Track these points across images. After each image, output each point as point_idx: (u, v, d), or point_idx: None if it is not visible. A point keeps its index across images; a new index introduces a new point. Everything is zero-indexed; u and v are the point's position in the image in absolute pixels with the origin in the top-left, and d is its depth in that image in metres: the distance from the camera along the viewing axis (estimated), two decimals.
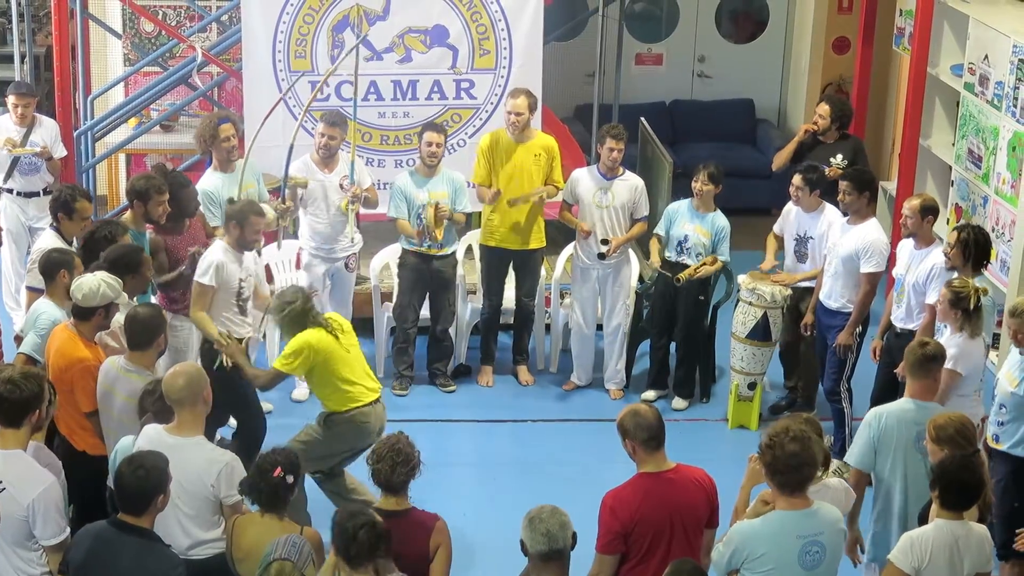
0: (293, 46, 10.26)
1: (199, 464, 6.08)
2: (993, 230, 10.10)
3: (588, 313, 9.90)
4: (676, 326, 9.69)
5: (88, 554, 5.59)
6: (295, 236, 9.94)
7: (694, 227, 9.46)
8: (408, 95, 10.48)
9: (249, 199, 8.70)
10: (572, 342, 10.13)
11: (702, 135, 13.74)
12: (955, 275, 7.73)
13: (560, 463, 9.11)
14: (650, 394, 9.83)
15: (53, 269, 7.36)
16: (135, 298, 7.54)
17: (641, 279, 10.16)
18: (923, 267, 8.28)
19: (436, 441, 9.10)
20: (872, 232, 8.76)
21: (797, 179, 9.22)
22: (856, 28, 12.86)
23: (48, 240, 8.08)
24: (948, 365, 7.22)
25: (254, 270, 8.33)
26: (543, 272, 10.10)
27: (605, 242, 9.58)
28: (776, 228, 9.54)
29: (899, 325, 8.45)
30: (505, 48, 10.46)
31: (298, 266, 9.84)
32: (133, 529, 5.57)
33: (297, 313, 7.48)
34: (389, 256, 10.15)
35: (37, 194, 10.34)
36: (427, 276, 9.69)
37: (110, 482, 6.55)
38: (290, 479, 5.95)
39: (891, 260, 8.93)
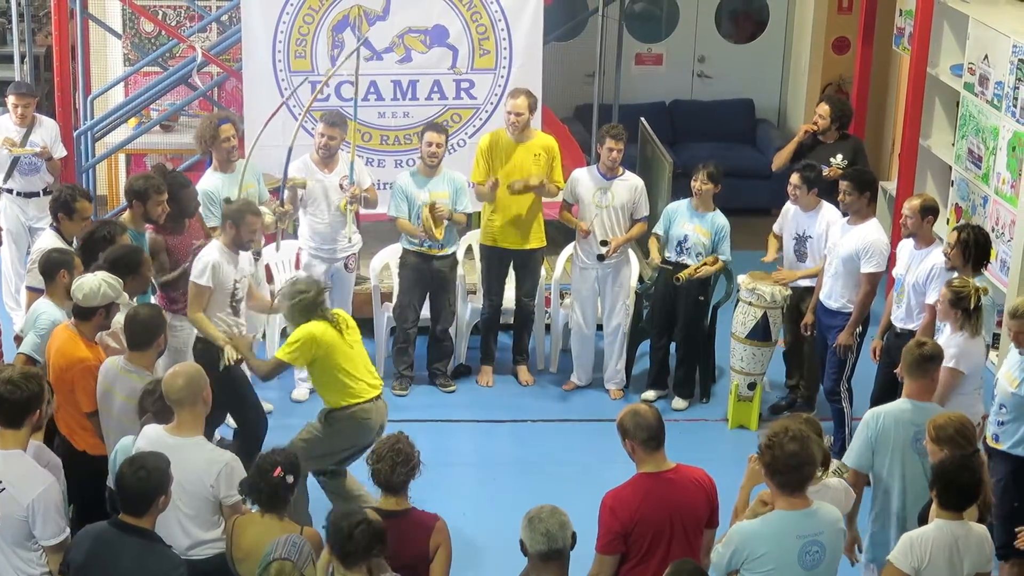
0: (293, 46, 10.27)
1: (199, 464, 6.08)
2: (993, 230, 10.10)
3: (588, 313, 9.90)
4: (676, 326, 9.69)
5: (89, 555, 5.59)
6: (295, 236, 9.95)
7: (694, 227, 9.46)
8: (408, 95, 10.48)
9: (245, 199, 8.69)
10: (572, 342, 10.13)
11: (702, 135, 13.74)
12: (955, 275, 7.73)
13: (560, 463, 9.11)
14: (650, 394, 9.83)
15: (53, 269, 7.36)
16: (135, 298, 7.54)
17: (641, 279, 10.16)
18: (923, 267, 8.28)
19: (436, 441, 9.10)
20: (872, 232, 8.77)
21: (795, 178, 9.24)
22: (856, 28, 12.86)
23: (48, 240, 8.08)
24: (950, 364, 7.23)
25: (249, 271, 8.34)
26: (543, 272, 10.10)
27: (604, 243, 9.58)
28: (776, 227, 9.54)
29: (899, 325, 8.45)
30: (505, 48, 10.46)
31: (297, 266, 9.83)
32: (134, 530, 5.57)
33: (307, 303, 7.50)
34: (389, 256, 10.15)
35: (37, 194, 10.34)
36: (427, 276, 9.70)
37: (110, 482, 6.57)
38: (290, 479, 5.95)
39: (891, 260, 8.93)
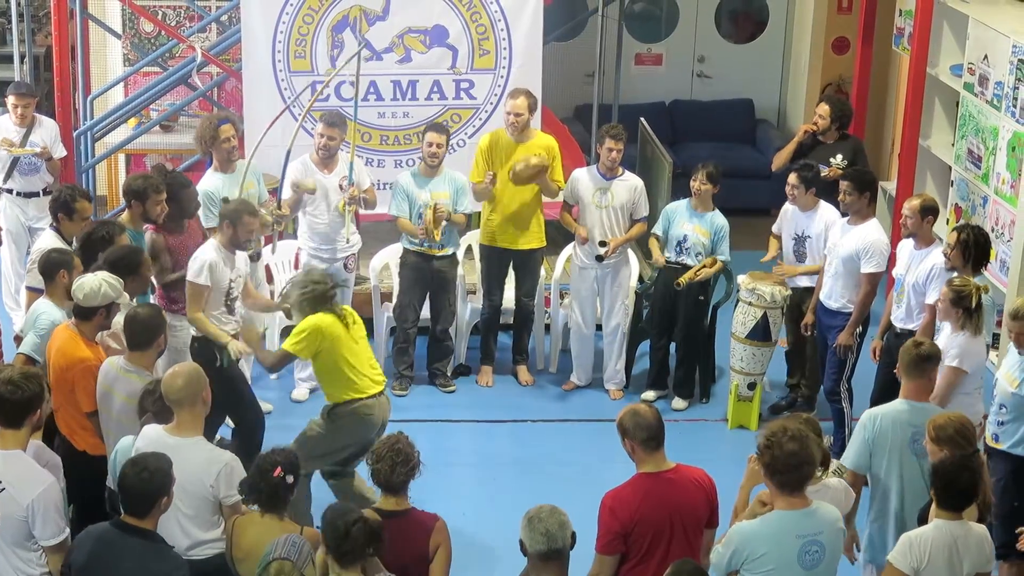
0: (293, 46, 10.27)
1: (198, 464, 6.08)
2: (993, 230, 10.10)
3: (587, 313, 9.90)
4: (676, 326, 9.69)
5: (91, 556, 5.59)
6: (294, 236, 9.95)
7: (693, 227, 9.46)
8: (408, 95, 10.48)
9: (242, 199, 8.69)
10: (571, 342, 10.13)
11: (702, 135, 13.75)
12: (955, 275, 7.73)
13: (560, 463, 9.11)
14: (650, 394, 9.83)
15: (52, 269, 7.36)
16: (135, 299, 7.54)
17: (641, 279, 10.17)
18: (923, 267, 8.29)
19: (436, 441, 9.10)
20: (872, 232, 8.77)
21: (793, 178, 9.24)
22: (856, 28, 12.86)
23: (48, 240, 8.08)
24: (953, 363, 7.24)
25: (244, 270, 8.35)
26: (543, 272, 10.10)
27: (603, 243, 9.58)
28: (775, 228, 9.55)
29: (899, 325, 8.45)
30: (505, 48, 10.46)
31: (296, 266, 9.84)
32: (136, 531, 5.57)
33: (318, 295, 7.50)
34: (389, 256, 10.15)
35: (37, 194, 10.34)
36: (428, 276, 9.70)
37: (109, 482, 6.57)
38: (290, 479, 5.95)
39: (891, 260, 8.93)
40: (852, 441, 6.79)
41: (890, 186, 12.24)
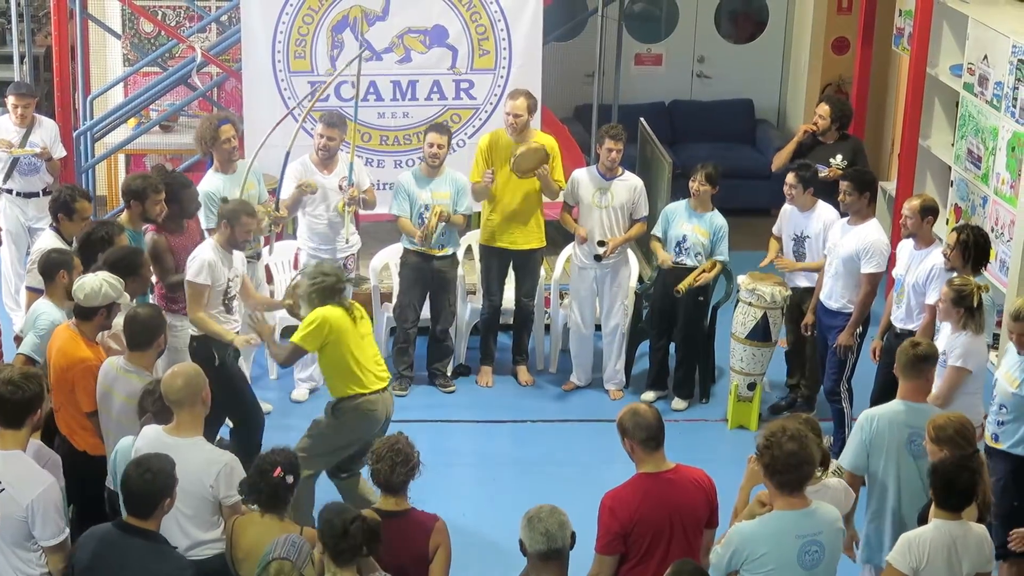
0: (292, 46, 10.27)
1: (198, 464, 6.08)
2: (992, 230, 10.11)
3: (586, 313, 9.91)
4: (675, 326, 9.70)
5: (94, 557, 5.59)
6: (294, 236, 9.95)
7: (692, 227, 9.46)
8: (407, 95, 10.48)
9: (241, 199, 8.68)
10: (571, 342, 10.14)
11: (701, 135, 13.74)
12: (954, 275, 7.73)
13: (560, 463, 9.11)
14: (649, 395, 9.83)
15: (52, 269, 7.36)
16: (135, 299, 7.54)
17: (640, 279, 10.17)
18: (923, 267, 8.29)
19: (436, 441, 9.11)
20: (873, 233, 8.77)
21: (790, 177, 9.25)
22: (855, 28, 12.86)
23: (47, 240, 8.08)
24: (958, 363, 7.24)
25: (242, 270, 8.36)
26: (543, 272, 10.11)
27: (602, 243, 9.58)
28: (775, 229, 9.55)
29: (899, 325, 8.45)
30: (505, 48, 10.46)
31: (296, 266, 9.84)
32: (139, 532, 5.57)
33: (328, 286, 7.51)
34: (389, 256, 10.15)
35: (37, 194, 10.34)
36: (428, 276, 9.70)
37: (109, 483, 6.57)
38: (290, 479, 5.95)
39: (891, 260, 8.93)
40: (849, 442, 6.79)
41: (890, 186, 12.24)
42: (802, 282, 9.36)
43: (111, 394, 6.77)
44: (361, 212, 9.96)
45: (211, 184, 9.14)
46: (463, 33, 10.41)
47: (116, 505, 6.30)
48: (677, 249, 9.50)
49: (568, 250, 10.12)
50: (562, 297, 10.30)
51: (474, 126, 10.54)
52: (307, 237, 9.64)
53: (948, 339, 7.41)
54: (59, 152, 10.41)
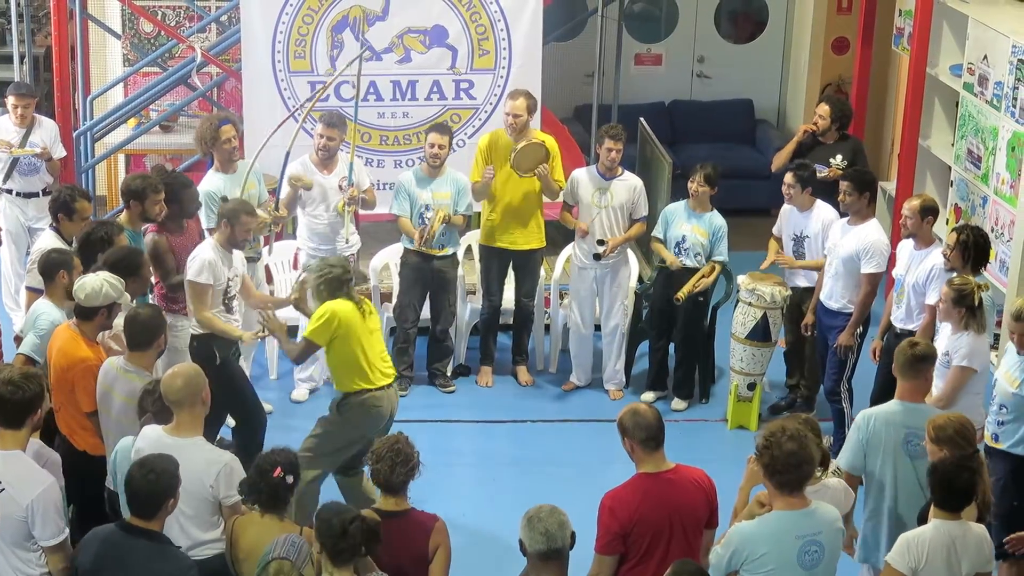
0: (292, 46, 10.27)
1: (198, 465, 6.08)
2: (992, 230, 10.10)
3: (586, 313, 9.91)
4: (675, 326, 9.70)
5: (97, 557, 5.59)
6: (294, 236, 9.95)
7: (691, 227, 9.46)
8: (407, 95, 10.48)
9: (241, 199, 8.69)
10: (570, 342, 10.14)
11: (701, 135, 13.74)
12: (954, 275, 7.73)
13: (560, 463, 9.12)
14: (649, 395, 9.83)
15: (52, 270, 7.36)
16: (135, 299, 7.54)
17: (640, 279, 10.17)
18: (923, 268, 8.29)
19: (436, 441, 9.10)
20: (873, 233, 8.77)
21: (789, 177, 9.26)
22: (855, 28, 12.86)
23: (47, 241, 8.09)
24: (963, 363, 7.24)
25: (241, 269, 8.36)
26: (542, 272, 10.11)
27: (601, 243, 9.58)
28: (775, 230, 9.55)
29: (899, 326, 8.46)
30: (504, 48, 10.46)
31: (295, 266, 9.84)
32: (142, 532, 5.57)
33: (335, 278, 7.51)
34: (389, 256, 10.15)
35: (37, 195, 10.34)
36: (428, 276, 9.70)
37: (108, 483, 6.57)
38: (290, 479, 5.95)
39: (891, 261, 8.93)
40: (846, 442, 6.80)
41: (890, 186, 12.24)
42: (802, 282, 9.36)
43: (111, 394, 6.77)
44: (361, 212, 9.96)
45: (211, 184, 9.14)
46: (463, 33, 10.41)
47: (116, 505, 6.31)
48: (676, 249, 9.50)
49: (568, 250, 10.12)
50: (562, 297, 10.30)
51: (474, 126, 10.54)
52: (307, 237, 9.64)
53: (951, 339, 7.41)
54: (59, 152, 10.42)
